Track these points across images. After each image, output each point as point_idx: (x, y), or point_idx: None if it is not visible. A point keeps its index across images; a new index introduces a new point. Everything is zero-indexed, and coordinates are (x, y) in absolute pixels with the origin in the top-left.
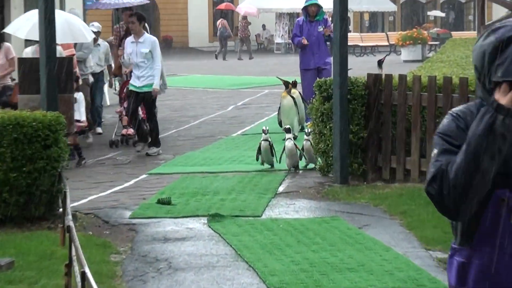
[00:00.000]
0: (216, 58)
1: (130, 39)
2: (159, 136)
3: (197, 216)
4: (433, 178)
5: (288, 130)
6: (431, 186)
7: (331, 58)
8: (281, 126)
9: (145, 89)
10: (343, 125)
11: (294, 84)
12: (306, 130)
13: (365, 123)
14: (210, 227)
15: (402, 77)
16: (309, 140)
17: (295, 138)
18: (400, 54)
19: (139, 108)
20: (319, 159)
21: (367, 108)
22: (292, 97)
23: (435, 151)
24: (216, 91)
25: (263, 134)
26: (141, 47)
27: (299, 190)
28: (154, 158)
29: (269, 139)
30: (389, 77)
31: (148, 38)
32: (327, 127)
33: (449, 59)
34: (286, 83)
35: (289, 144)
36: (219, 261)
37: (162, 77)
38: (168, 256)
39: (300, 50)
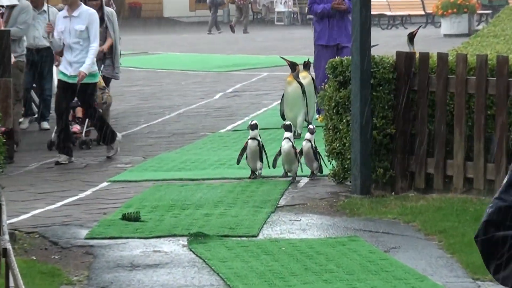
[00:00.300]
0: (233, 30)
1: (62, 13)
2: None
3: (174, 236)
4: (488, 224)
5: (288, 128)
6: (484, 235)
7: None
8: (284, 119)
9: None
10: (364, 119)
11: (306, 66)
12: (310, 126)
13: (393, 115)
14: (191, 250)
15: (442, 57)
16: (310, 141)
17: (299, 136)
18: (440, 26)
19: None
20: (333, 162)
21: (396, 97)
22: (300, 83)
23: (505, 181)
24: (199, 74)
25: (250, 130)
26: (75, 23)
27: (307, 202)
28: (117, 161)
29: (258, 138)
30: (424, 56)
31: (85, 11)
32: (343, 120)
33: (505, 33)
34: (292, 65)
35: (286, 145)
36: None
37: (114, 59)
38: None
39: (317, 21)
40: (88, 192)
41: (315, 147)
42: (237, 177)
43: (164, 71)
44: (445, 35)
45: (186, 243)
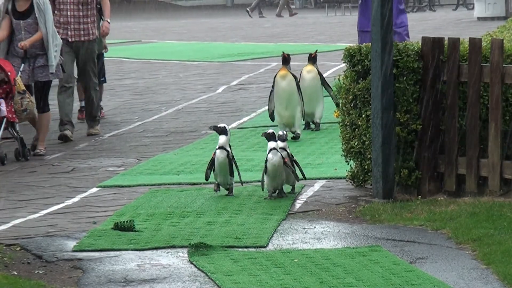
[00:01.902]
0: (250, 15)
1: None
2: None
3: (173, 247)
4: None
5: (270, 136)
6: None
7: (406, 18)
8: (272, 119)
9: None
10: (386, 113)
11: (313, 58)
12: (280, 133)
13: (418, 109)
14: (192, 263)
15: (474, 42)
16: (286, 150)
17: (298, 137)
18: (473, 8)
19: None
20: (351, 162)
21: (422, 88)
22: (294, 76)
23: None
24: (200, 64)
25: (220, 137)
26: None
27: (322, 208)
28: (108, 165)
29: (227, 148)
30: (455, 42)
31: None
32: (363, 116)
33: None
34: (285, 57)
35: (273, 158)
36: None
37: (48, 56)
38: None
39: (361, 2)
40: (76, 199)
41: (292, 155)
42: (244, 181)
43: (160, 62)
44: (479, 18)
45: (186, 255)
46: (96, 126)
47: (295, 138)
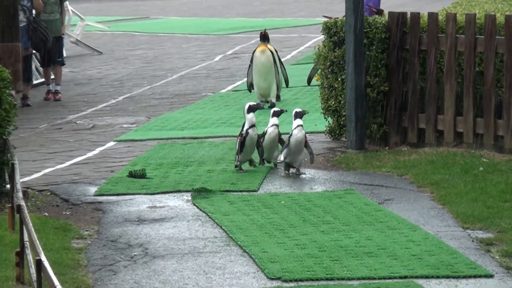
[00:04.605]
0: None
1: None
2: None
3: (179, 191)
4: None
5: (300, 115)
6: None
7: None
8: (250, 91)
9: None
10: (358, 77)
11: (263, 37)
12: (276, 109)
13: (386, 74)
14: (194, 204)
15: (432, 16)
16: (278, 126)
17: (273, 106)
18: None
19: None
20: (328, 119)
21: (389, 56)
22: (271, 51)
23: None
24: (200, 37)
25: (248, 116)
26: None
27: (305, 157)
28: (123, 122)
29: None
30: (416, 16)
31: None
32: (339, 79)
33: None
34: (264, 35)
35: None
36: (207, 246)
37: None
38: (144, 241)
39: None
40: (96, 152)
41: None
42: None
43: (166, 35)
44: None
45: (190, 198)
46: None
47: (271, 107)
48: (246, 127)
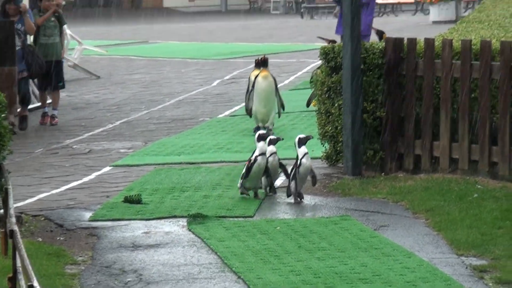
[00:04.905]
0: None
1: None
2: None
3: (174, 217)
4: None
5: (303, 140)
6: None
7: (371, 20)
8: (250, 116)
9: None
10: (355, 103)
11: (264, 62)
12: (273, 137)
13: (382, 99)
14: (190, 230)
15: (428, 42)
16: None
17: (271, 132)
18: (429, 13)
19: None
20: (325, 144)
21: (385, 81)
22: (274, 77)
23: None
24: (198, 62)
25: (261, 143)
26: None
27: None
28: (120, 147)
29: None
30: (412, 41)
31: None
32: (335, 105)
33: (489, 18)
34: (258, 62)
35: (307, 163)
36: (202, 272)
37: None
38: (138, 267)
39: (339, 13)
40: (92, 176)
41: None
42: (235, 161)
43: (164, 59)
44: (434, 22)
45: (185, 224)
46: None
47: (259, 131)
48: (256, 153)
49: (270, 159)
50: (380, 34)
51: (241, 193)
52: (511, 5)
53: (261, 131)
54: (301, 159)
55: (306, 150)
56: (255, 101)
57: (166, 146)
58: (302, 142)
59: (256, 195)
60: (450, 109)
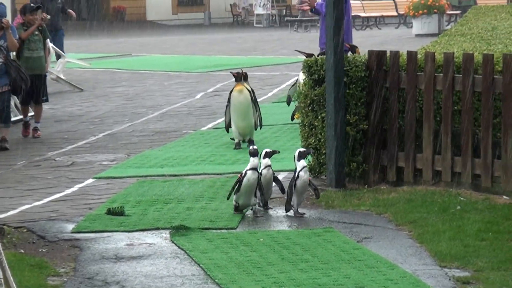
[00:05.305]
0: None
1: None
2: None
3: (157, 229)
4: None
5: (303, 154)
6: None
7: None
8: (227, 131)
9: None
10: (338, 115)
11: (240, 77)
12: (268, 150)
13: (365, 112)
14: (173, 242)
15: (411, 55)
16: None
17: (251, 142)
18: (412, 26)
19: None
20: (309, 157)
21: (368, 94)
22: (249, 90)
23: None
24: (181, 74)
25: (253, 158)
26: None
27: (284, 196)
28: (102, 159)
29: (258, 170)
30: (395, 54)
31: None
32: (319, 117)
33: (471, 31)
34: (238, 75)
35: (305, 176)
36: (184, 284)
37: None
38: (121, 279)
39: (322, 22)
40: (75, 189)
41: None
42: (217, 173)
43: (148, 72)
44: (417, 35)
45: (168, 236)
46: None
47: (250, 144)
48: (247, 168)
49: (264, 171)
50: (353, 49)
51: (233, 211)
52: (493, 19)
53: (254, 146)
54: (299, 172)
55: (305, 164)
56: (233, 115)
57: (149, 159)
58: (302, 156)
59: (255, 212)
60: (433, 121)
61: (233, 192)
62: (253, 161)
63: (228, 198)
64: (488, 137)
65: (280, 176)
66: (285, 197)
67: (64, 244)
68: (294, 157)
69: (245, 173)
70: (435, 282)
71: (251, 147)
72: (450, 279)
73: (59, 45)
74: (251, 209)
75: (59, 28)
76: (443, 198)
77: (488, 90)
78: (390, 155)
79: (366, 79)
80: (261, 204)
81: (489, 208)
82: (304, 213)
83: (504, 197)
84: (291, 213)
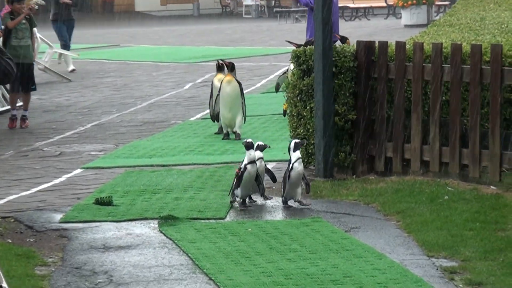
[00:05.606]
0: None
1: None
2: None
3: (145, 219)
4: None
5: (298, 145)
6: None
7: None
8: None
9: None
10: (326, 105)
11: (223, 67)
12: (260, 143)
13: (354, 102)
14: (161, 232)
15: (399, 45)
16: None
17: (238, 137)
18: (401, 17)
19: None
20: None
21: (357, 84)
22: (239, 82)
23: None
24: (170, 65)
25: (250, 151)
26: None
27: (272, 186)
28: (91, 150)
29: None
30: (384, 45)
31: None
32: (307, 107)
33: (460, 22)
34: (227, 65)
35: (261, 165)
36: (173, 274)
37: None
38: (109, 268)
39: (309, 14)
40: (63, 179)
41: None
42: (206, 163)
43: (136, 63)
44: (406, 26)
45: (156, 226)
46: None
47: (237, 138)
48: (245, 162)
49: (257, 163)
50: (344, 40)
51: (239, 206)
52: (481, 9)
53: (248, 140)
54: (293, 163)
55: (299, 155)
56: (221, 106)
57: (138, 149)
58: (297, 146)
59: (250, 200)
60: (421, 111)
61: (234, 188)
62: (249, 154)
63: (229, 195)
64: (476, 127)
65: (269, 166)
66: (282, 189)
67: (52, 234)
68: (289, 148)
69: (245, 168)
70: (423, 271)
71: (245, 140)
72: (437, 269)
73: (70, 34)
74: (249, 197)
75: (72, 17)
76: (431, 188)
77: (476, 80)
78: (378, 145)
79: (354, 70)
80: (263, 195)
81: (477, 198)
82: (310, 203)
83: (492, 187)
84: (292, 202)
